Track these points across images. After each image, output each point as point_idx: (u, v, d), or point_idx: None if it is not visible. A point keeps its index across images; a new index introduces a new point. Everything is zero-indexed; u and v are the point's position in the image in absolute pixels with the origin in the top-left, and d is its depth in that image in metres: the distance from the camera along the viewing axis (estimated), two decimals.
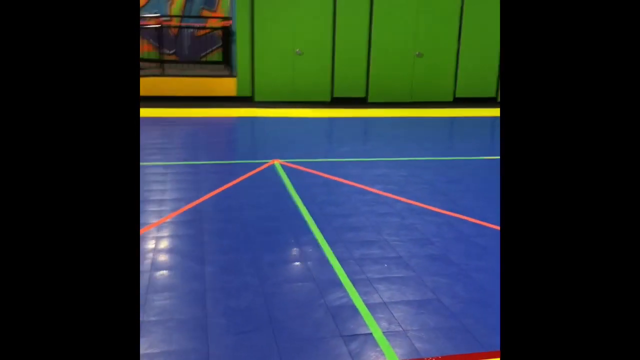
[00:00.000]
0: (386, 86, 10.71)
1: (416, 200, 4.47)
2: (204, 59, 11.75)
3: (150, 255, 3.30)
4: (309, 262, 3.26)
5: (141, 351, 2.31)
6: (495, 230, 3.85)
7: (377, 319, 2.65)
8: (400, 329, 2.57)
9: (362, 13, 10.35)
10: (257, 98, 9.98)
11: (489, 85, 11.29)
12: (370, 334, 2.53)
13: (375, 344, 2.45)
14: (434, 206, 4.34)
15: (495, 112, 9.88)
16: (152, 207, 4.13)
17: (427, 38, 10.68)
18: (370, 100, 10.70)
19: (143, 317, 2.59)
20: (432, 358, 2.35)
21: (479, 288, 2.98)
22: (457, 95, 11.05)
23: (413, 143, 6.90)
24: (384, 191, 4.71)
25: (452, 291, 2.94)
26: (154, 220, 3.88)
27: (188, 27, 11.78)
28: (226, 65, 10.99)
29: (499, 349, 2.40)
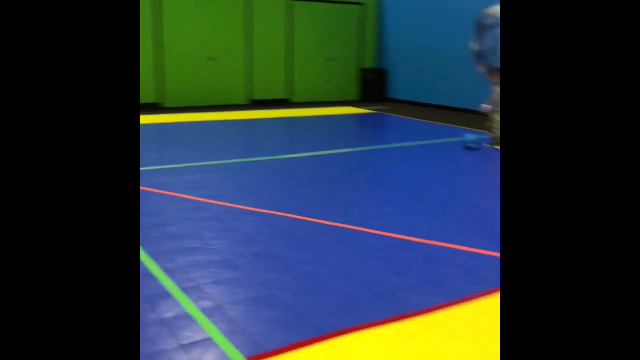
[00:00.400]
0: (181, 90, 10.54)
1: (232, 202, 4.52)
2: None
3: None
4: None
5: None
6: (311, 222, 4.08)
7: (214, 322, 2.64)
8: (239, 327, 2.60)
9: (152, 16, 10.03)
10: None
11: (279, 87, 11.83)
12: (210, 338, 2.51)
13: (217, 347, 2.44)
14: (251, 206, 4.44)
15: (289, 112, 10.39)
16: None
17: (218, 42, 10.77)
18: (166, 105, 10.43)
19: None
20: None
21: (305, 277, 3.15)
22: (252, 98, 11.35)
23: (218, 146, 6.92)
24: (199, 196, 4.66)
25: (281, 284, 3.06)
26: None
27: None
28: None
29: (334, 330, 2.58)
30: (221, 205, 4.45)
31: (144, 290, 2.93)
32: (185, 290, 2.95)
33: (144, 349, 2.41)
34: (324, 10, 11.95)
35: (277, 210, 4.34)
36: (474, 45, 10.80)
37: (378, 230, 3.95)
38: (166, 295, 2.89)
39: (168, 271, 3.17)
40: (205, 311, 2.74)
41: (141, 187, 4.85)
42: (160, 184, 4.98)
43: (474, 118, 10.00)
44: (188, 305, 2.79)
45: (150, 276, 3.10)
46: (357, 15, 12.40)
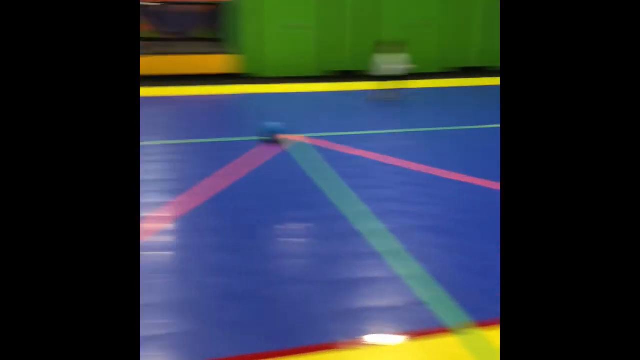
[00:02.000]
0: None
1: (435, 168, 4.71)
2: (194, 36, 11.14)
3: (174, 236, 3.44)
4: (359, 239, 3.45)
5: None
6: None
7: (439, 284, 2.87)
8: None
9: None
10: (263, 74, 9.87)
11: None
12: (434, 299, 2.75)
13: (440, 307, 2.68)
14: (454, 172, 4.58)
15: (462, 82, 10.07)
16: (168, 186, 4.27)
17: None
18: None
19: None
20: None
21: None
22: (468, 65, 11.10)
23: (425, 114, 7.10)
24: (403, 161, 4.91)
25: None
26: (177, 196, 4.04)
27: (179, 3, 10.94)
28: (222, 41, 10.53)
29: None
30: (424, 173, 4.66)
31: (376, 248, 3.27)
32: (410, 251, 3.22)
33: (379, 302, 2.73)
34: None
35: (484, 178, 4.41)
36: None
37: None
38: (395, 253, 3.20)
39: (393, 231, 3.48)
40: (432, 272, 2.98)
41: (353, 151, 5.24)
42: (370, 148, 5.33)
43: None
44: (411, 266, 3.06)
45: (380, 234, 3.43)
46: None
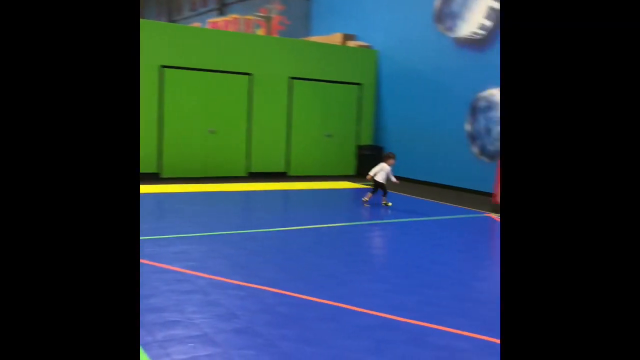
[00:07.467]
0: (179, 162, 10.68)
1: (218, 275, 4.47)
2: None
3: None
4: None
5: None
6: (296, 298, 4.02)
7: None
8: None
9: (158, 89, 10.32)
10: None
11: (279, 160, 12.00)
12: None
13: None
14: (236, 280, 4.39)
15: (287, 185, 10.47)
16: None
17: (220, 116, 11.05)
18: (164, 175, 10.53)
19: None
20: None
21: (284, 356, 3.07)
22: (251, 170, 11.48)
23: (210, 217, 6.93)
24: (184, 268, 4.62)
25: None
26: None
27: None
28: None
29: None
30: (206, 277, 4.40)
31: None
32: None
33: None
34: (324, 89, 12.34)
35: (263, 285, 4.28)
36: (468, 127, 11.06)
37: (363, 308, 3.88)
38: None
39: (145, 345, 3.09)
40: None
41: None
42: (147, 255, 4.95)
43: (466, 196, 10.05)
44: None
45: None
46: (356, 94, 12.78)
